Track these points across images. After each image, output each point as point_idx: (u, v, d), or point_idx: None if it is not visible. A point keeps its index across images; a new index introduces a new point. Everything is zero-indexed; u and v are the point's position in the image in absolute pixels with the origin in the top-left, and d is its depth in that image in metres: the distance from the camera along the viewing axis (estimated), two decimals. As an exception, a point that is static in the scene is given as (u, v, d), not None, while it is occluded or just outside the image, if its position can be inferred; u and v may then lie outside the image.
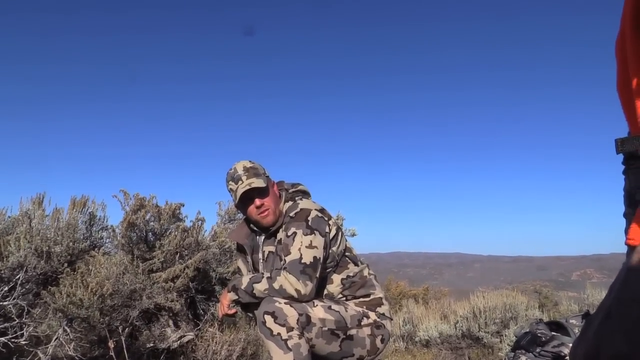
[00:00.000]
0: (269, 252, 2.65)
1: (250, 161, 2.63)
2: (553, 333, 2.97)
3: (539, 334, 2.97)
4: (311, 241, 2.44)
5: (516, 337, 3.16)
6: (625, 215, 1.38)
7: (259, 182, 2.54)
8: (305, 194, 2.79)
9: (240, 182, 2.56)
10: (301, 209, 2.55)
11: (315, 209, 2.56)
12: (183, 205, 5.22)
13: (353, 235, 5.72)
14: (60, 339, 4.41)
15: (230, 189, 2.62)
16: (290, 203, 2.64)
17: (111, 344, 4.19)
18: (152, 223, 5.10)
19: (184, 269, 4.84)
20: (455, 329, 7.05)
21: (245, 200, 2.58)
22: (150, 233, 5.13)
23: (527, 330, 3.10)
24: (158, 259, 4.93)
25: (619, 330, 0.55)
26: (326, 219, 2.56)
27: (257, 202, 2.56)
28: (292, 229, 2.48)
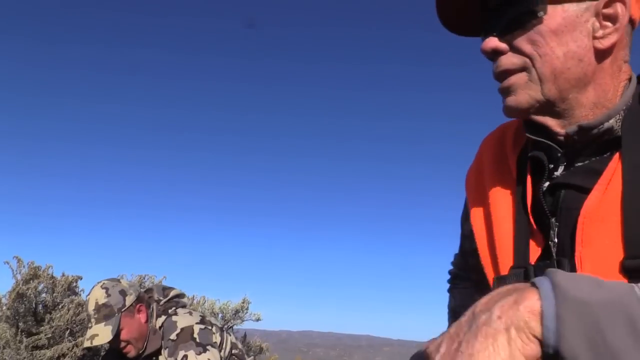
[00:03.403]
0: None
1: (107, 291, 2.37)
2: None
3: None
4: (209, 359, 2.37)
5: None
6: None
7: (103, 335, 2.31)
8: (180, 298, 2.65)
9: (89, 324, 2.35)
10: (182, 329, 2.40)
11: (196, 323, 2.43)
12: (81, 278, 4.98)
13: (258, 320, 5.62)
14: None
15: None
16: (163, 318, 2.47)
17: None
18: (44, 295, 4.80)
19: (73, 347, 4.55)
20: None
21: None
22: (40, 305, 4.82)
23: None
24: (45, 335, 4.61)
25: None
26: (210, 327, 2.47)
27: (111, 344, 2.39)
28: (182, 352, 2.34)
